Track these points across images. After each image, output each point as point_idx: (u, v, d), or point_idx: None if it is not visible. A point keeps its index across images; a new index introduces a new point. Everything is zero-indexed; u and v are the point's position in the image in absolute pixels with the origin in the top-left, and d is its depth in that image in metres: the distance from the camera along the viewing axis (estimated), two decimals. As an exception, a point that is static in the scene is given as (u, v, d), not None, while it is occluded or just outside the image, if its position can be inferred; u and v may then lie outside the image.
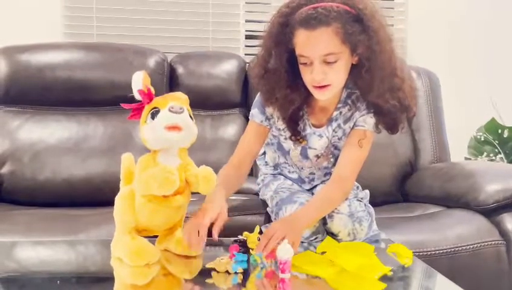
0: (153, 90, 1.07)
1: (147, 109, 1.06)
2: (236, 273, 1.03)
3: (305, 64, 1.21)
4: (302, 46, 1.19)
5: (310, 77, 1.21)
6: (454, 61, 2.42)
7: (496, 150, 2.31)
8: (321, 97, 1.25)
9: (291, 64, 1.24)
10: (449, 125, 2.07)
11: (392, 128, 1.30)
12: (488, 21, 2.47)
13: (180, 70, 2.00)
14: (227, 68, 2.02)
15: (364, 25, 1.18)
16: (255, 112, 1.35)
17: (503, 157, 2.30)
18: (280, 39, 1.22)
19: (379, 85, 1.21)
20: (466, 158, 2.36)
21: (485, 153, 2.31)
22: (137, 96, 1.07)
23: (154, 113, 1.04)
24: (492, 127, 2.34)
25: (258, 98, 1.35)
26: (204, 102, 1.95)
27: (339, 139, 1.34)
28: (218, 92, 1.99)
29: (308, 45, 1.18)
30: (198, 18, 2.33)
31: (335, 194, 1.27)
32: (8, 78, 1.88)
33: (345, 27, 1.16)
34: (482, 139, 2.33)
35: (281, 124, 1.34)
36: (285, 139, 1.36)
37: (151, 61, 1.95)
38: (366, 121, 1.30)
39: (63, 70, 1.90)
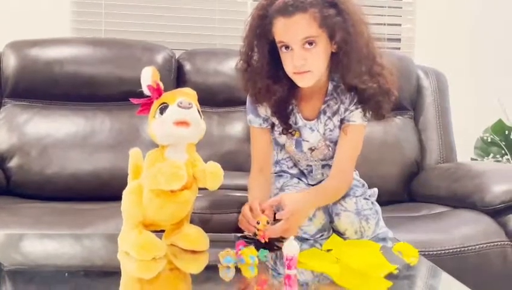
0: (162, 85, 1.08)
1: (156, 104, 1.07)
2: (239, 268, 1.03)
3: (286, 51, 1.24)
4: (281, 33, 1.23)
5: (290, 64, 1.24)
6: (462, 62, 2.41)
7: (503, 151, 2.30)
8: (302, 84, 1.28)
9: (273, 57, 1.28)
10: (456, 125, 2.06)
11: (378, 114, 1.32)
12: (497, 22, 2.46)
13: (187, 67, 2.00)
14: (234, 65, 2.02)
15: (339, 9, 1.22)
16: (251, 118, 1.38)
17: (510, 159, 2.29)
18: (260, 31, 1.26)
19: (356, 66, 1.25)
20: (472, 159, 2.35)
21: (491, 154, 2.31)
22: (146, 92, 1.08)
23: (163, 109, 1.05)
24: (499, 128, 2.33)
25: (248, 103, 1.38)
26: (212, 99, 1.94)
27: (330, 131, 1.36)
28: (225, 89, 1.98)
29: (287, 30, 1.22)
30: (205, 15, 2.34)
31: (336, 186, 1.31)
32: (16, 72, 1.88)
33: (321, 11, 1.20)
34: (489, 140, 2.32)
35: (274, 120, 1.36)
36: (280, 134, 1.38)
37: (159, 58, 1.95)
38: (355, 115, 1.32)
39: (71, 66, 1.90)
